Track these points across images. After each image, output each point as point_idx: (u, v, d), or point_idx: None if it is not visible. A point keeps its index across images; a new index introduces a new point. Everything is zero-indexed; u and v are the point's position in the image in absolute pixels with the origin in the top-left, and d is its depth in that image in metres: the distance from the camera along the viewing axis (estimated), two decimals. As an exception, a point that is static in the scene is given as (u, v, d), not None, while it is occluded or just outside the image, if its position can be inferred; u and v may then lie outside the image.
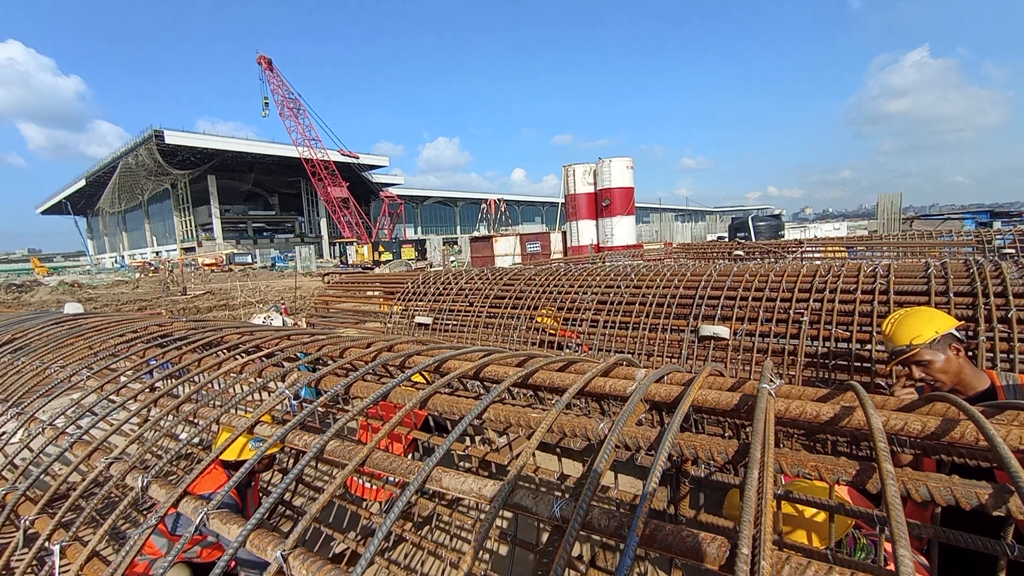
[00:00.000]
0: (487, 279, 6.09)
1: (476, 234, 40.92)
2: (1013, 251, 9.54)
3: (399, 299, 6.98)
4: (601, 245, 25.07)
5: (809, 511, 1.84)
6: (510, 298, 5.45)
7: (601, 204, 25.23)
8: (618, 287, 4.72)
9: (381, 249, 42.48)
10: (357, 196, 52.00)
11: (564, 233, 27.30)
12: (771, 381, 1.10)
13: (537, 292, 5.25)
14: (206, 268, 42.62)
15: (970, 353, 3.00)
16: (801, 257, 11.87)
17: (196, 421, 1.59)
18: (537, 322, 5.07)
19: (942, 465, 1.62)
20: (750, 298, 3.92)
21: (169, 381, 2.26)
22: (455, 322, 5.82)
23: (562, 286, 5.14)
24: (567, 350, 4.70)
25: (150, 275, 37.23)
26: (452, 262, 34.36)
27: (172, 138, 48.72)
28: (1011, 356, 2.88)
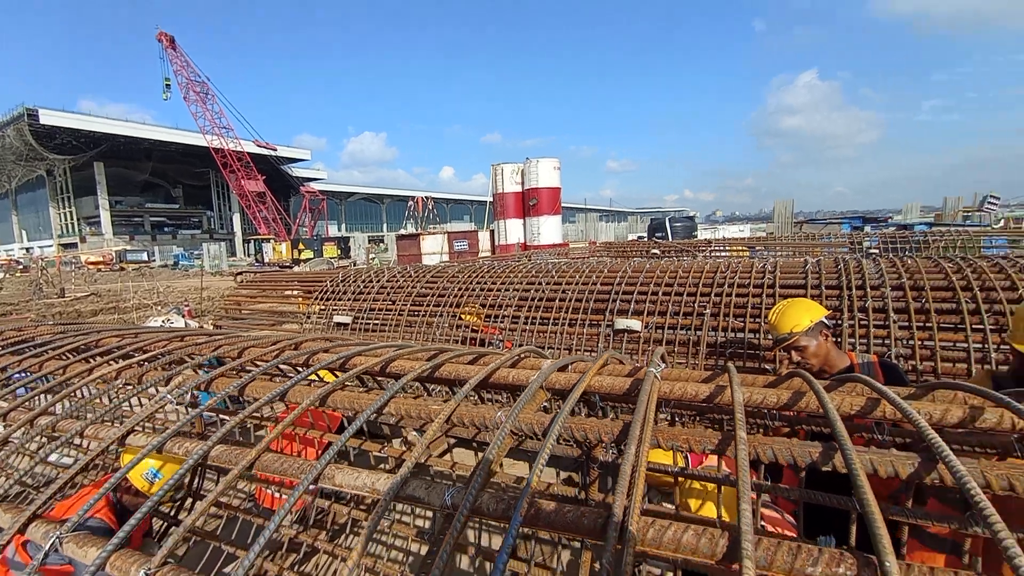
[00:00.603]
0: (410, 277, 5.98)
1: (403, 232, 39.95)
2: (877, 251, 11.01)
3: (317, 298, 6.65)
4: (528, 244, 25.52)
5: (711, 487, 1.99)
6: (433, 296, 5.39)
7: (528, 203, 25.67)
8: (539, 284, 4.83)
9: (301, 247, 40.15)
10: (275, 190, 48.74)
11: (492, 232, 27.47)
12: (657, 365, 1.18)
13: (460, 290, 5.23)
14: (91, 267, 37.84)
15: (836, 337, 3.42)
16: (710, 255, 12.86)
17: (57, 436, 1.41)
18: (461, 319, 5.06)
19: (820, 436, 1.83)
20: (660, 293, 4.19)
21: (39, 396, 1.98)
22: (376, 321, 5.65)
23: (485, 283, 5.17)
24: (491, 346, 4.74)
25: (17, 275, 32.29)
26: (374, 260, 33.29)
27: (48, 118, 42.60)
28: (867, 338, 3.32)
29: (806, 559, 0.65)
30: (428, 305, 5.32)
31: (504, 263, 6.57)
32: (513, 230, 26.23)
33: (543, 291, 4.77)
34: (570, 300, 4.49)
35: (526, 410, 1.20)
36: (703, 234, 35.05)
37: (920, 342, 3.24)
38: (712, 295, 4.02)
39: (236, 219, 57.77)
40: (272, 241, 41.81)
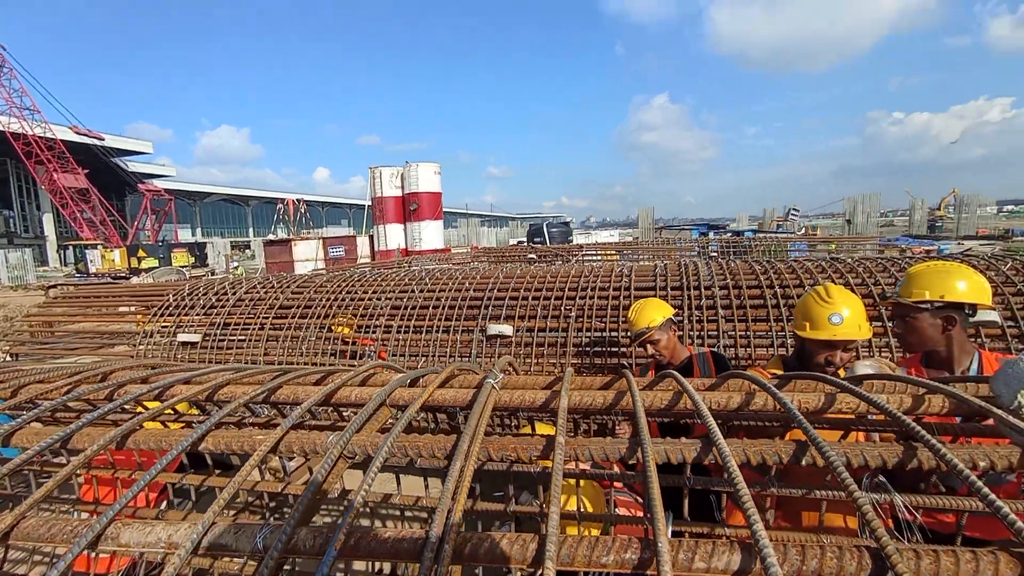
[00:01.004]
0: (271, 287, 5.46)
1: (272, 237, 36.46)
2: (716, 253, 12.84)
3: (158, 314, 5.74)
4: (410, 249, 25.00)
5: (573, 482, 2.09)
6: (299, 307, 4.98)
7: (409, 208, 25.15)
8: (412, 292, 4.74)
9: (142, 254, 34.41)
10: (104, 187, 41.17)
11: (372, 237, 26.38)
12: (496, 376, 1.22)
13: (329, 300, 4.91)
14: None
15: (679, 332, 3.88)
16: (582, 260, 13.83)
17: None
18: (332, 331, 4.75)
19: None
20: (530, 298, 4.37)
21: None
22: (233, 338, 5.06)
23: (356, 292, 4.93)
24: (365, 358, 4.53)
25: None
26: (237, 268, 29.88)
27: None
28: (703, 332, 3.83)
29: (601, 550, 0.70)
30: (294, 317, 4.90)
31: (376, 271, 6.33)
32: (393, 235, 25.48)
33: (417, 299, 4.69)
34: (444, 307, 4.47)
35: (367, 430, 1.15)
36: (578, 239, 37.54)
37: (740, 333, 3.82)
38: (577, 298, 4.31)
39: (47, 220, 47.66)
40: (101, 247, 35.25)
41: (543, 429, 2.36)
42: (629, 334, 3.28)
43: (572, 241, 27.44)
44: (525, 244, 25.58)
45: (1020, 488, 2.19)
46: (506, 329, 4.14)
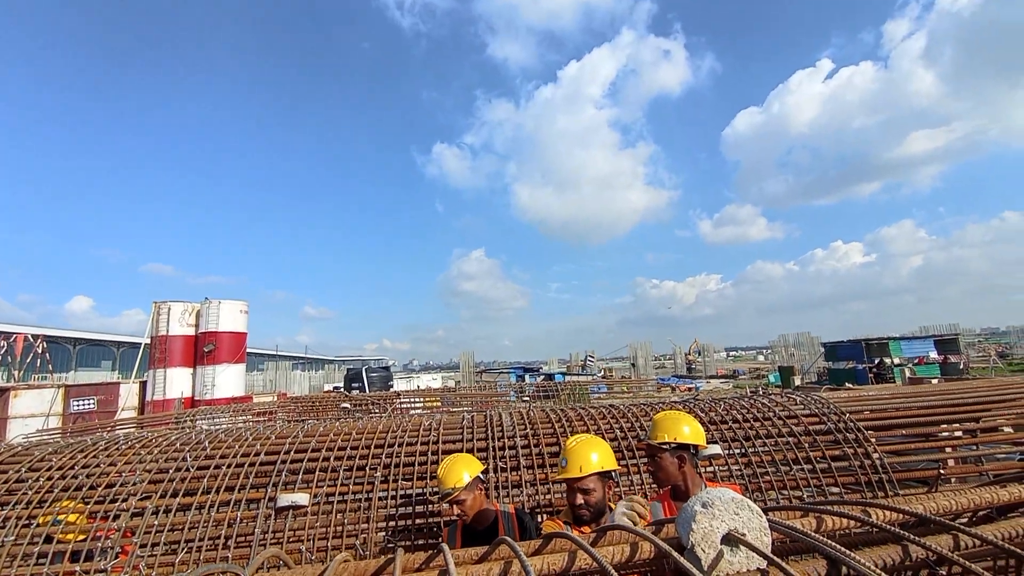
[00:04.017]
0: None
1: (-22, 385, 26.89)
2: (529, 398, 13.81)
3: None
4: (197, 398, 20.96)
5: None
6: (-4, 493, 3.62)
7: (203, 350, 21.70)
8: (184, 458, 3.93)
9: None
10: None
11: (144, 383, 21.54)
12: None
13: (49, 480, 3.72)
14: None
15: (485, 486, 3.94)
16: (400, 408, 13.33)
17: None
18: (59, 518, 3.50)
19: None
20: (332, 458, 4.01)
21: None
22: None
23: (93, 466, 3.86)
24: (100, 554, 3.39)
25: None
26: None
27: None
28: (507, 483, 3.96)
29: None
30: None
31: (138, 434, 5.12)
32: (177, 381, 21.25)
33: (188, 467, 3.89)
34: (224, 476, 3.78)
35: None
36: (400, 383, 36.59)
37: (540, 480, 4.06)
38: (384, 455, 4.11)
39: None
40: None
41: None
42: (438, 493, 3.22)
43: (392, 386, 26.54)
44: (342, 390, 23.77)
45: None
46: (301, 498, 3.65)
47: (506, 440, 4.28)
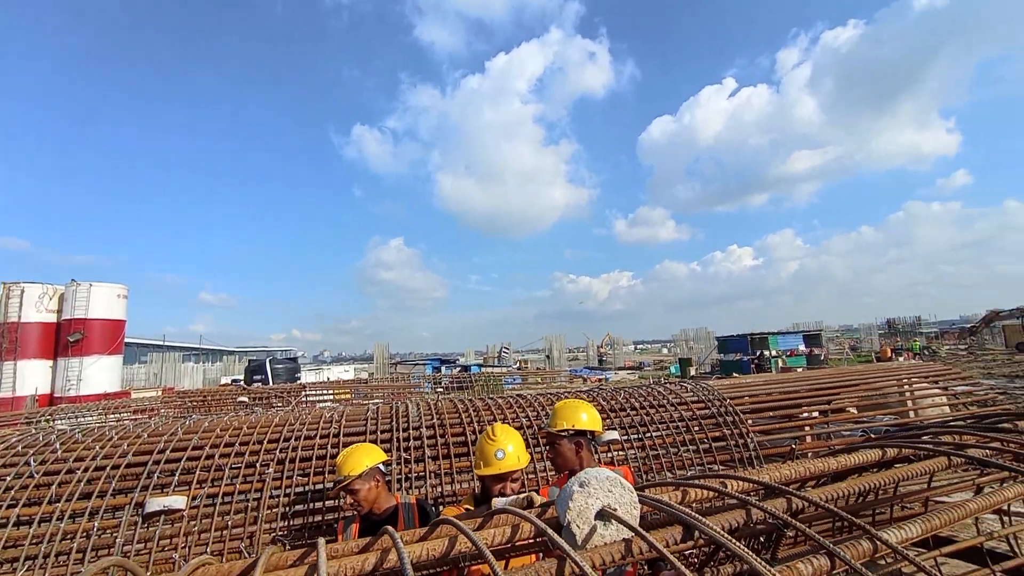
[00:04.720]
0: None
1: None
2: (443, 389, 13.72)
3: None
4: (59, 394, 18.24)
5: None
6: None
7: (67, 339, 18.90)
8: (27, 463, 3.38)
9: None
10: None
11: (-14, 378, 18.32)
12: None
13: None
14: None
15: (388, 477, 3.84)
16: (306, 401, 12.61)
17: None
18: None
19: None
20: (216, 456, 3.68)
21: None
22: None
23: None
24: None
25: None
26: None
27: None
28: (410, 475, 3.89)
29: None
30: None
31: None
32: (31, 375, 18.33)
33: (33, 473, 3.35)
34: (79, 482, 3.31)
35: None
36: (309, 375, 34.66)
37: (445, 470, 4.04)
38: (278, 450, 3.85)
39: None
40: None
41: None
42: (333, 482, 3.08)
43: (300, 378, 25.02)
44: (241, 383, 21.96)
45: (636, 573, 2.82)
46: (176, 501, 3.30)
47: (411, 431, 4.20)
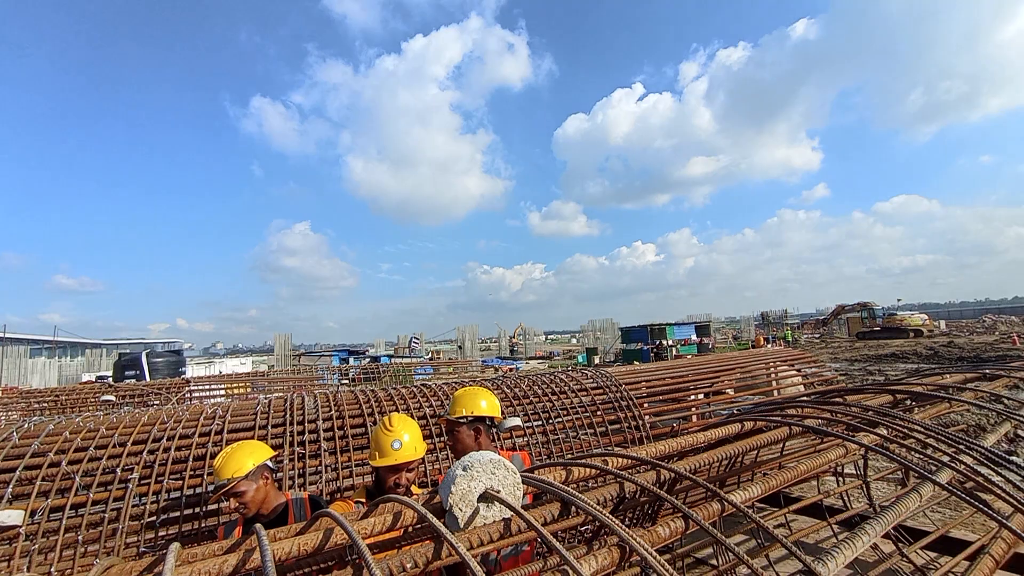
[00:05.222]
0: None
1: None
2: (348, 381, 13.14)
3: None
4: None
5: None
6: None
7: None
8: None
9: None
10: None
11: None
12: None
13: None
14: None
15: (279, 474, 3.60)
16: (191, 398, 11.38)
17: None
18: None
19: None
20: (64, 462, 3.19)
21: None
22: None
23: None
24: None
25: None
26: None
27: None
28: (304, 470, 3.68)
29: None
30: None
31: None
32: None
33: None
34: None
35: None
36: (198, 370, 31.48)
37: (343, 463, 3.88)
38: (145, 452, 3.43)
39: None
40: None
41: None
42: (213, 486, 2.81)
43: (185, 373, 22.54)
44: (108, 380, 19.25)
45: (533, 553, 2.91)
46: (8, 516, 2.81)
47: (306, 424, 3.96)
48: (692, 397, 6.93)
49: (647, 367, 7.91)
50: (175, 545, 1.21)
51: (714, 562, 4.21)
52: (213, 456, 3.51)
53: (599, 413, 5.05)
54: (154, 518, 3.19)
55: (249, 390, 13.83)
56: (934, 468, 1.57)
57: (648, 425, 5.29)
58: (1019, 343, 27.22)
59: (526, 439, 4.54)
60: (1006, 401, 2.58)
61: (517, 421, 4.55)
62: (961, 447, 1.58)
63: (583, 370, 6.49)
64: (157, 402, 10.76)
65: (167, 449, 3.47)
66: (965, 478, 1.55)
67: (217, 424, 3.80)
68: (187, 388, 10.86)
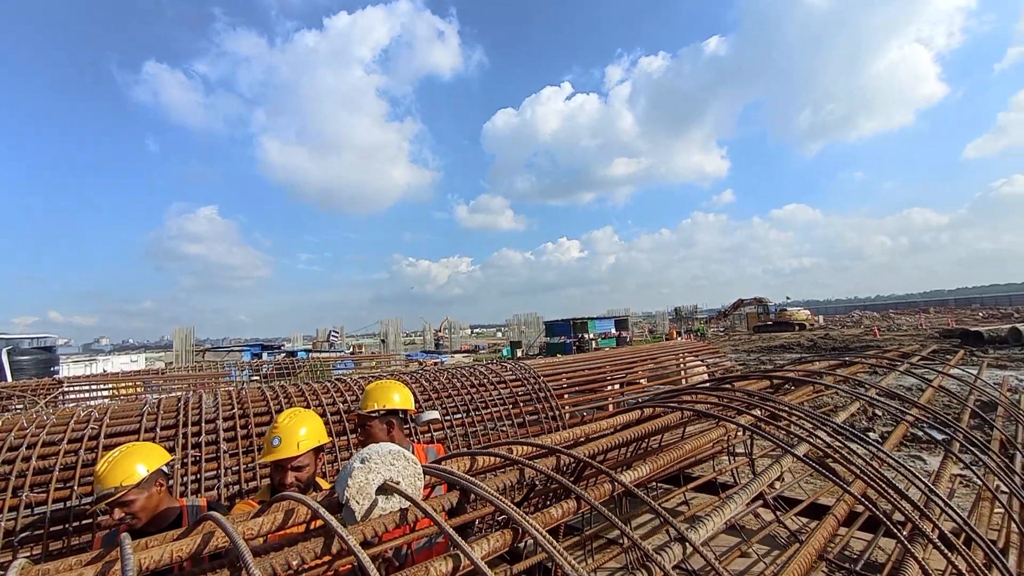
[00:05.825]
0: None
1: None
2: (259, 377, 12.29)
3: None
4: None
5: None
6: None
7: None
8: None
9: None
10: None
11: None
12: None
13: None
14: None
15: (170, 482, 3.29)
16: (65, 400, 10.00)
17: None
18: None
19: None
20: None
21: None
22: None
23: None
24: None
25: None
26: None
27: None
28: (200, 474, 3.40)
29: None
30: None
31: None
32: None
33: None
34: None
35: None
36: (76, 367, 27.82)
37: (246, 465, 3.62)
38: (2, 463, 2.98)
39: None
40: None
41: None
42: (93, 496, 2.50)
43: (58, 372, 19.82)
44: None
45: (448, 545, 2.90)
46: None
47: (203, 424, 3.65)
48: (609, 388, 7.30)
49: (567, 359, 8.19)
50: (20, 561, 1.07)
51: (622, 542, 4.48)
52: (87, 464, 3.12)
53: (519, 405, 5.15)
54: (12, 538, 2.79)
55: (140, 390, 12.45)
56: (795, 443, 1.78)
57: (567, 415, 5.49)
58: (879, 335, 31.62)
59: (445, 432, 4.52)
60: (863, 384, 3.00)
61: (435, 414, 4.52)
62: (817, 424, 1.81)
63: (504, 363, 6.58)
64: (21, 406, 9.34)
65: (27, 459, 3.04)
66: (819, 451, 1.77)
67: (92, 428, 3.39)
68: (60, 389, 9.55)
